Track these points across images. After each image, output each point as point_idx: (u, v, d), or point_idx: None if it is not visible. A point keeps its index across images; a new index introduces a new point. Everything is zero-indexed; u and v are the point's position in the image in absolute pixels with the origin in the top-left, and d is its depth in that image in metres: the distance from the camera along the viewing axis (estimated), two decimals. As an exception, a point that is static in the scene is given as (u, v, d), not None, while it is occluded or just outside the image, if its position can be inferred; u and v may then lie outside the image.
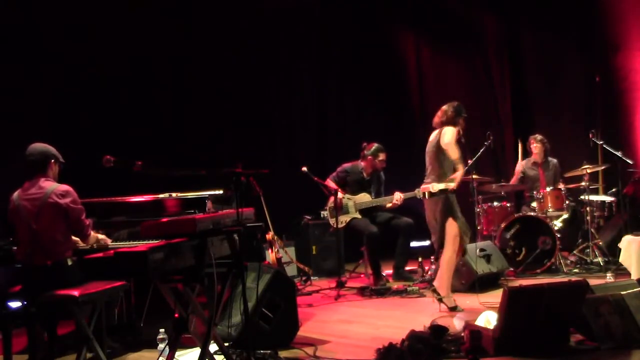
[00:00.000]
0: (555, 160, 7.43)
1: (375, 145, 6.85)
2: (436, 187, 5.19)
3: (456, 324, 4.67)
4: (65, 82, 6.60)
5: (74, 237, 4.04)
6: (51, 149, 4.02)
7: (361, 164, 6.96)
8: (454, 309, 5.17)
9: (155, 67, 7.23)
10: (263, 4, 7.94)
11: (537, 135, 7.44)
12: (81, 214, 3.93)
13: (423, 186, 5.38)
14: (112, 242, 4.37)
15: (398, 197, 6.46)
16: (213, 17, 7.60)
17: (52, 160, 3.98)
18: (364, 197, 6.81)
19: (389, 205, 6.64)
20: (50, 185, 3.88)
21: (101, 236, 4.24)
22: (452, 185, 5.19)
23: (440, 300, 5.22)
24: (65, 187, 3.91)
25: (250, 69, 7.87)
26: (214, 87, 7.64)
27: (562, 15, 8.30)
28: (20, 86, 6.24)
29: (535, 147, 7.35)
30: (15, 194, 3.90)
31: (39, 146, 3.98)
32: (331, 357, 4.05)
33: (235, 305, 4.36)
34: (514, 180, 7.49)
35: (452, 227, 5.20)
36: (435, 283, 5.30)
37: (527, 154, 7.59)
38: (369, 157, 6.85)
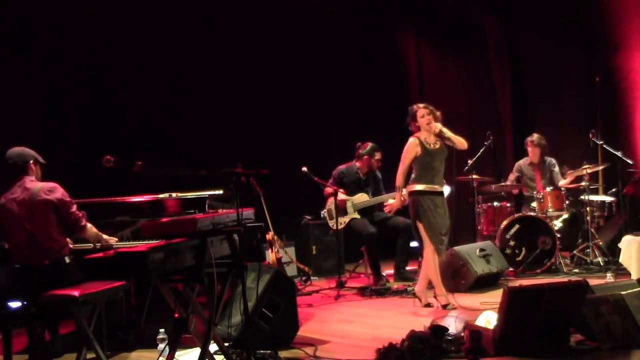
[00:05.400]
0: (552, 160, 7.38)
1: (370, 145, 6.83)
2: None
3: (451, 323, 4.65)
4: (65, 81, 6.60)
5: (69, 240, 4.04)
6: (29, 150, 4.01)
7: (356, 164, 6.94)
8: (445, 307, 5.22)
9: (155, 66, 7.22)
10: (263, 3, 7.94)
11: (533, 135, 7.38)
12: (71, 206, 3.95)
13: None
14: (117, 241, 4.30)
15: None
16: (212, 16, 7.60)
17: (31, 161, 3.98)
18: (362, 197, 6.80)
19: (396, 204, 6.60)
20: (35, 185, 3.91)
21: (106, 237, 4.19)
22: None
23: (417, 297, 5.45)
24: (51, 184, 3.94)
25: (250, 68, 7.87)
26: (213, 86, 7.63)
27: (562, 15, 8.29)
28: (20, 86, 6.24)
29: (531, 148, 7.31)
30: (2, 198, 3.91)
31: (16, 149, 3.98)
32: (331, 357, 4.05)
33: (235, 305, 4.36)
34: (509, 180, 7.45)
35: (421, 230, 5.34)
36: (415, 288, 5.54)
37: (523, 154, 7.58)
38: (365, 156, 6.84)
